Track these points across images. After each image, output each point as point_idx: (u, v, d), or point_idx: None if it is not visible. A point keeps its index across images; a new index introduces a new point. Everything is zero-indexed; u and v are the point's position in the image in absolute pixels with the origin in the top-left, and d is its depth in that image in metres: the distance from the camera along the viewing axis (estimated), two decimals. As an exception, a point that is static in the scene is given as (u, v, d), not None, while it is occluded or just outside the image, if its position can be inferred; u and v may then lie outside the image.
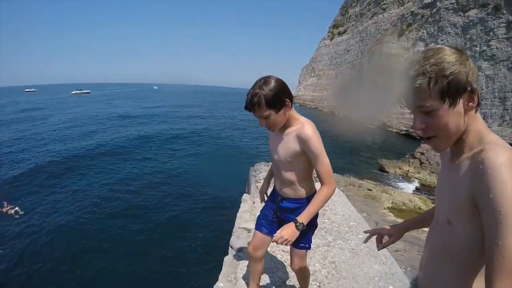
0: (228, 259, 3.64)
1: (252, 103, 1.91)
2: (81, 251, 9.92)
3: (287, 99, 1.94)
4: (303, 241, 2.29)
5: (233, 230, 4.29)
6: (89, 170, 17.60)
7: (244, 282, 3.03)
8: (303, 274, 2.55)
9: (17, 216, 12.23)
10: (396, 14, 48.04)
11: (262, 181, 6.58)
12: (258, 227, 2.46)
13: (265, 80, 1.91)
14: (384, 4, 53.85)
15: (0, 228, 11.34)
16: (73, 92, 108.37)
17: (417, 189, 17.72)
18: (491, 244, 0.80)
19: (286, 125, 2.07)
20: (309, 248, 2.36)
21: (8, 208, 12.48)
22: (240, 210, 4.86)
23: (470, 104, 0.94)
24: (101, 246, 10.21)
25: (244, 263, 3.34)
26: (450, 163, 1.08)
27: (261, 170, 7.84)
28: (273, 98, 1.88)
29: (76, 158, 19.93)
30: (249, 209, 4.91)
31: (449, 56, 0.93)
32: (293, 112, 2.03)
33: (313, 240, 3.18)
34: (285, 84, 1.95)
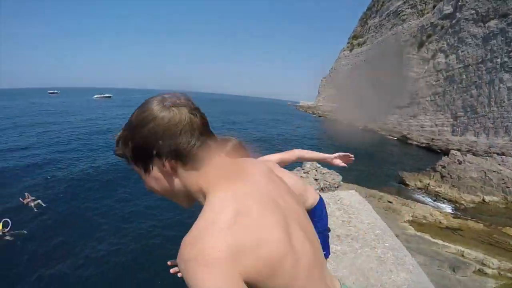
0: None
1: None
2: (91, 252, 9.75)
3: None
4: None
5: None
6: (112, 174, 17.46)
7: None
8: None
9: (36, 210, 12.02)
10: (415, 25, 47.91)
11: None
12: None
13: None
14: (404, 15, 53.78)
15: (16, 219, 11.13)
16: (95, 96, 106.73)
17: (433, 199, 17.64)
18: None
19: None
20: (327, 255, 2.39)
21: (29, 199, 12.25)
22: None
23: (164, 169, 0.82)
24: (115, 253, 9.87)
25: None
26: None
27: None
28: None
29: (101, 162, 19.76)
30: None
31: (138, 116, 0.82)
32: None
33: (340, 247, 3.49)
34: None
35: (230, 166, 0.92)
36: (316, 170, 8.67)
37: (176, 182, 0.86)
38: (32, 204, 12.06)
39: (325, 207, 2.45)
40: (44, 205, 12.28)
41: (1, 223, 10.46)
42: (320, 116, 70.42)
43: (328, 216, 4.30)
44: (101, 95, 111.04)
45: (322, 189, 6.79)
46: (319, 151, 2.36)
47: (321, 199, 2.41)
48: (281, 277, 0.78)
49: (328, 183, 7.46)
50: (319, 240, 1.02)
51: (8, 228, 10.47)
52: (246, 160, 1.08)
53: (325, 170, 8.60)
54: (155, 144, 0.79)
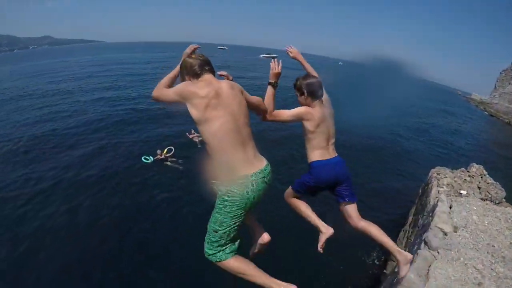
0: (423, 253, 3.88)
1: None
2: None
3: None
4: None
5: (431, 226, 4.52)
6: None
7: (435, 283, 3.33)
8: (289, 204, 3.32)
9: (199, 146, 12.39)
10: None
11: (444, 187, 6.49)
12: None
13: None
14: None
15: (184, 152, 12.32)
16: (262, 55, 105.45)
17: None
18: None
19: None
20: (291, 185, 3.25)
21: (194, 135, 12.84)
22: (438, 209, 5.05)
23: (188, 80, 2.45)
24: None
25: (438, 263, 3.68)
26: None
27: (445, 175, 7.26)
28: None
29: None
30: (447, 211, 5.05)
31: (182, 61, 2.53)
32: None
33: (503, 269, 3.72)
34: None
35: (210, 79, 2.36)
36: (481, 177, 7.93)
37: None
38: (197, 140, 12.70)
39: (331, 171, 2.95)
40: None
41: (166, 149, 12.03)
42: (492, 116, 61.16)
43: (497, 233, 4.47)
44: (268, 55, 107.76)
45: (482, 199, 6.30)
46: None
47: (328, 163, 2.95)
48: (206, 119, 2.18)
49: (490, 196, 7.08)
50: (246, 127, 2.32)
51: (170, 154, 11.94)
52: (226, 81, 2.51)
53: (490, 180, 7.54)
54: (184, 70, 2.44)
